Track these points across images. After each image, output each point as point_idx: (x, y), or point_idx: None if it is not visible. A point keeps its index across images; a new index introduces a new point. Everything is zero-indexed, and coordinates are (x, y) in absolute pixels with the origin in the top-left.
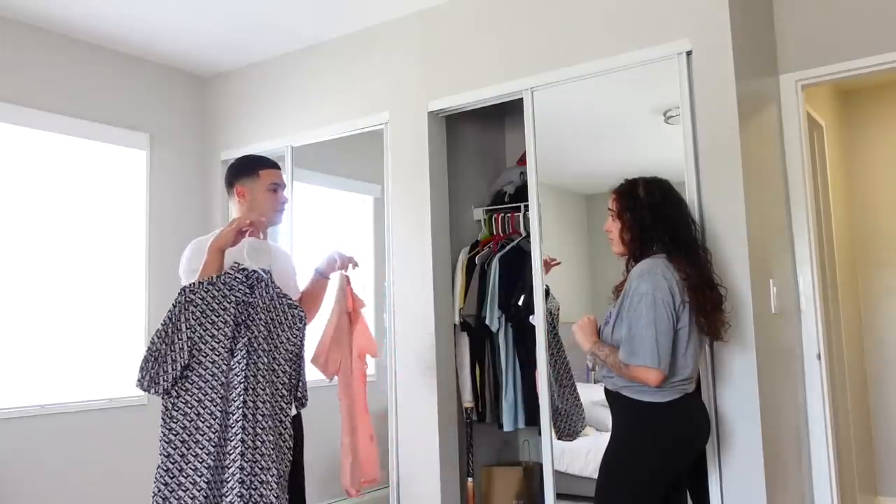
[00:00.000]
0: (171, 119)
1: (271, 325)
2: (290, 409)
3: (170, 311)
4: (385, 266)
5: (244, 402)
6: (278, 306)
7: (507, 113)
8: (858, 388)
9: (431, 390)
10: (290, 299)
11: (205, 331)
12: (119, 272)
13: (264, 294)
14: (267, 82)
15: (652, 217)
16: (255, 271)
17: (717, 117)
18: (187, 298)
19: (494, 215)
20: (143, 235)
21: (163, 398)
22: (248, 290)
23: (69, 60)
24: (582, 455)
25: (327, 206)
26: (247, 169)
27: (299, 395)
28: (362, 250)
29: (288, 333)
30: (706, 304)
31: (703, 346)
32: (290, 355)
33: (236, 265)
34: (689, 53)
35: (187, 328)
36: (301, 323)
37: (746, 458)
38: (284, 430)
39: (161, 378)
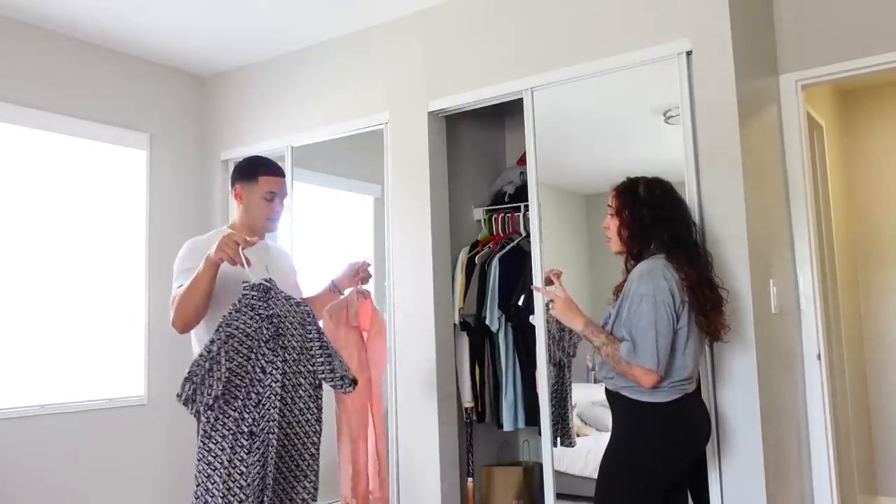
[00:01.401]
0: (171, 119)
1: (291, 330)
2: (317, 406)
3: (214, 338)
4: (385, 266)
5: (281, 413)
6: (289, 309)
7: (507, 113)
8: (858, 388)
9: (431, 390)
10: (294, 298)
11: (243, 357)
12: (119, 272)
13: (278, 301)
14: (267, 82)
15: (651, 215)
16: (260, 283)
17: (717, 117)
18: (227, 333)
19: (494, 215)
20: (143, 235)
21: (202, 416)
22: (265, 304)
23: (69, 60)
24: (582, 455)
25: (327, 206)
26: (248, 172)
27: (340, 376)
28: (362, 250)
29: (301, 331)
30: (706, 304)
31: (703, 346)
32: (310, 353)
33: (246, 283)
34: (689, 53)
35: (227, 360)
36: (310, 317)
37: (746, 458)
38: (311, 427)
39: (199, 398)
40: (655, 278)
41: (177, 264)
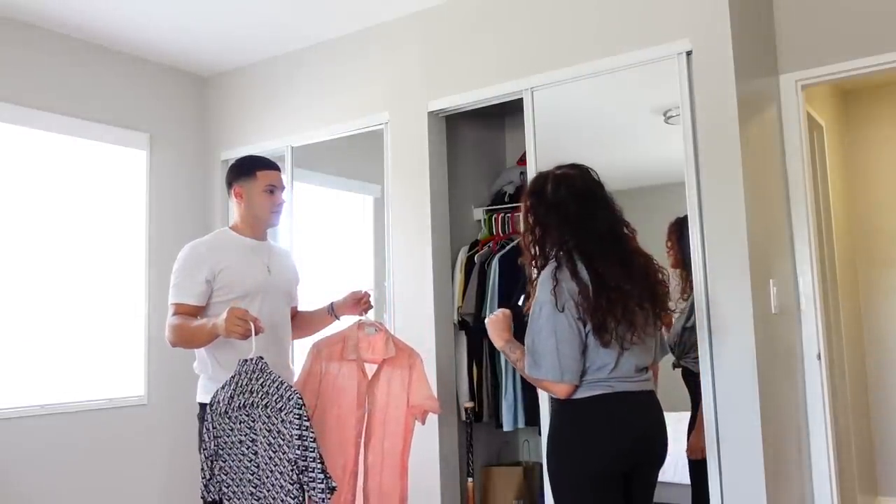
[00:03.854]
0: (171, 119)
1: (270, 411)
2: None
3: (205, 422)
4: (385, 266)
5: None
6: (275, 392)
7: (507, 113)
8: (858, 388)
9: (431, 390)
10: (288, 385)
11: (227, 437)
12: (119, 272)
13: (260, 378)
14: (267, 82)
15: (556, 219)
16: (251, 359)
17: (717, 117)
18: (210, 409)
19: (494, 215)
20: (143, 236)
21: None
22: (247, 378)
23: (69, 60)
24: None
25: (327, 206)
26: (244, 170)
27: (311, 484)
28: (362, 250)
29: (281, 416)
30: (598, 311)
31: (643, 341)
32: (288, 445)
33: (241, 361)
34: (689, 53)
35: (214, 437)
36: (298, 409)
37: (746, 458)
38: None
39: (213, 490)
40: (549, 283)
41: (175, 273)
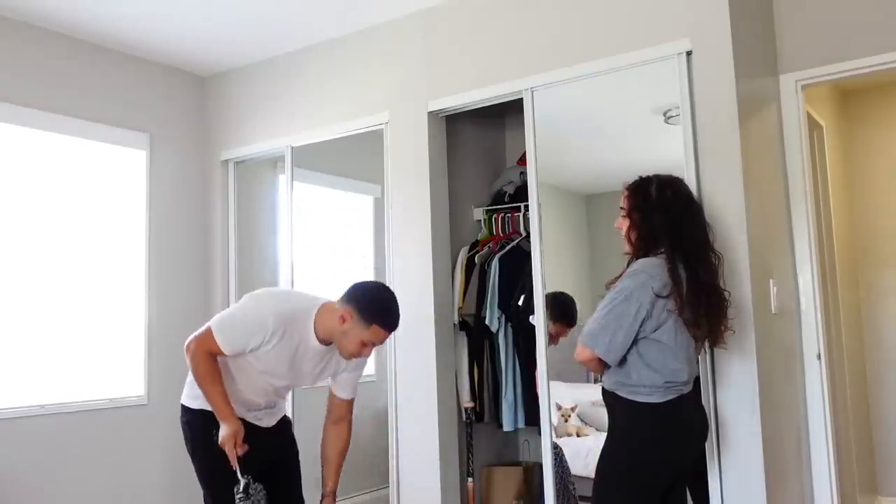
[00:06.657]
0: (171, 119)
1: None
2: None
3: None
4: (385, 266)
5: None
6: None
7: (507, 113)
8: (858, 388)
9: (431, 390)
10: None
11: None
12: (119, 272)
13: None
14: (267, 82)
15: (661, 219)
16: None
17: (717, 117)
18: None
19: (494, 215)
20: (143, 236)
21: None
22: None
23: (69, 60)
24: (582, 455)
25: (327, 206)
26: (368, 313)
27: None
28: (362, 250)
29: None
30: (699, 309)
31: (700, 349)
32: None
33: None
34: (689, 53)
35: None
36: None
37: (746, 459)
38: None
39: None
40: (641, 276)
41: (238, 318)
